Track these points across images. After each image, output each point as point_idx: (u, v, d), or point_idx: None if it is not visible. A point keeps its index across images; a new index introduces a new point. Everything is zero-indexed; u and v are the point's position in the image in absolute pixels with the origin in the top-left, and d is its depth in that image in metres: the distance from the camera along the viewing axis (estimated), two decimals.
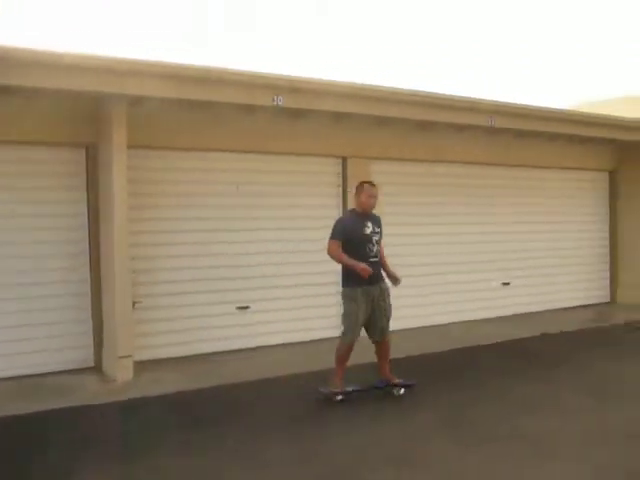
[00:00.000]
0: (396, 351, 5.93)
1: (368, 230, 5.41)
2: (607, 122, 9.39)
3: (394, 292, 5.71)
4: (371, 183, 5.62)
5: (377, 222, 5.54)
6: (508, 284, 9.76)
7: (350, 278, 5.32)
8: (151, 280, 6.85)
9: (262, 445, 4.42)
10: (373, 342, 5.60)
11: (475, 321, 9.11)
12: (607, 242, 11.23)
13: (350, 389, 5.45)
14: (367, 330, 5.52)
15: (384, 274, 5.58)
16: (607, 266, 11.22)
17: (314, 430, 4.78)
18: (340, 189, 8.12)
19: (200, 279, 7.14)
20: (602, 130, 9.42)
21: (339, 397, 5.38)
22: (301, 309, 7.78)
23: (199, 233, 7.16)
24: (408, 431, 4.79)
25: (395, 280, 5.61)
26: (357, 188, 5.62)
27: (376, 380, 5.66)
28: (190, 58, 9.03)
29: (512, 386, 5.96)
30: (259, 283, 7.51)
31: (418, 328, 8.51)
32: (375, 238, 5.43)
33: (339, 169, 8.15)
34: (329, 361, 5.58)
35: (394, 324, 5.73)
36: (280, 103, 6.47)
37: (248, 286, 7.42)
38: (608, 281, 11.22)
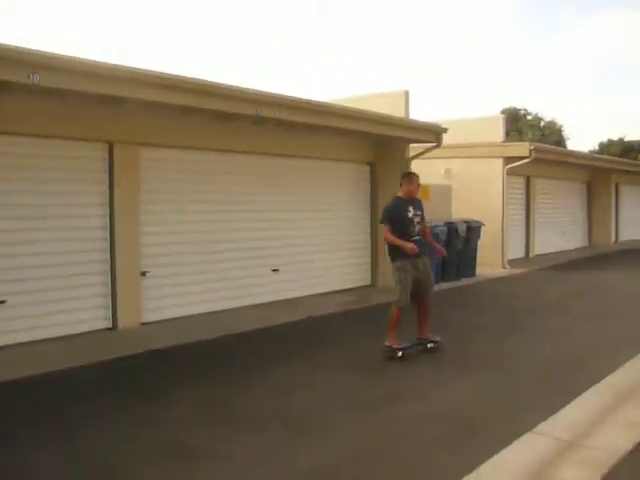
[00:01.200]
0: (156, 342, 5.88)
1: (410, 214, 6.60)
2: (364, 117, 10.09)
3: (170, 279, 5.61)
4: (413, 174, 6.92)
5: (419, 206, 6.71)
6: (277, 270, 10.16)
7: (400, 253, 6.48)
8: None
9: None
10: (416, 305, 6.76)
11: (245, 307, 9.40)
12: (369, 230, 12.20)
13: (405, 345, 6.68)
14: (412, 295, 6.60)
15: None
16: (369, 252, 12.20)
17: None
18: (106, 175, 7.83)
19: None
20: (360, 124, 10.12)
21: (399, 353, 6.54)
22: None
23: None
24: (166, 420, 4.80)
25: (440, 251, 7.05)
26: (402, 178, 6.84)
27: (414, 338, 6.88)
28: None
29: (278, 368, 6.26)
30: None
31: (187, 317, 8.57)
32: (417, 220, 6.60)
33: (105, 155, 7.85)
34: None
35: (157, 314, 5.69)
36: (36, 81, 6.00)
37: None
38: (370, 266, 12.21)
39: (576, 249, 20.19)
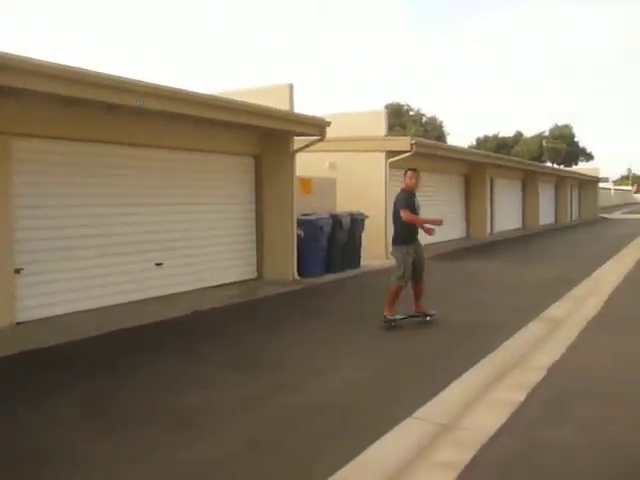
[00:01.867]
0: (31, 342, 5.67)
1: (417, 203, 7.97)
2: (249, 109, 10.12)
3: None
4: (415, 170, 8.05)
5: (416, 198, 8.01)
6: (161, 265, 10.02)
7: (405, 239, 7.83)
8: None
9: None
10: (413, 283, 8.00)
11: (131, 303, 9.20)
12: (254, 223, 12.25)
13: (398, 317, 7.91)
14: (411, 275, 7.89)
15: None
16: (254, 245, 12.26)
17: None
18: None
19: None
20: (245, 116, 10.13)
21: (393, 323, 7.78)
22: None
23: None
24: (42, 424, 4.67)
25: (428, 231, 8.05)
26: (405, 173, 8.07)
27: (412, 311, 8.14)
28: None
29: (164, 364, 6.21)
30: None
31: (69, 314, 8.28)
32: (418, 209, 7.95)
33: None
34: None
35: (34, 312, 5.50)
36: None
37: None
38: (255, 259, 12.28)
39: (455, 240, 21.22)
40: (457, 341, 7.14)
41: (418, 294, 8.14)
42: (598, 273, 12.89)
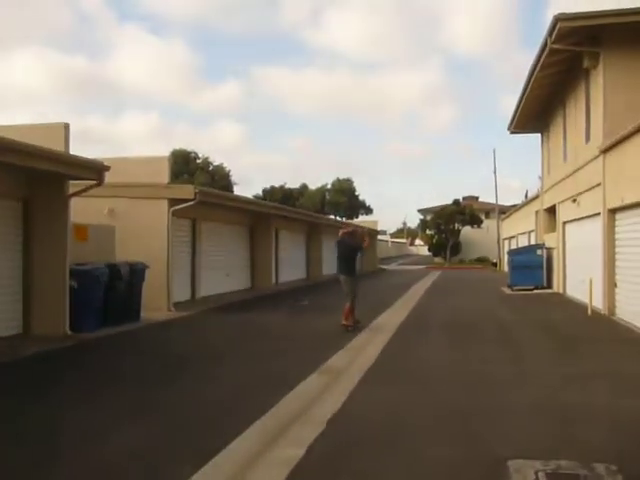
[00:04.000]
0: None
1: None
2: (12, 147, 9.29)
3: None
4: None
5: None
6: None
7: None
8: None
9: None
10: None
11: None
12: (21, 272, 11.25)
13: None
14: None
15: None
16: (21, 297, 11.23)
17: None
18: None
19: None
20: (8, 155, 9.32)
21: (350, 329, 11.85)
22: None
23: None
24: None
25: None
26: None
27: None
28: None
29: None
30: None
31: None
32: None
33: None
34: None
35: None
36: None
37: None
38: (21, 313, 11.23)
39: (240, 291, 21.37)
40: (239, 396, 7.07)
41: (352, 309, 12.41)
42: (377, 321, 13.70)
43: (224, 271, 20.44)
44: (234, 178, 68.92)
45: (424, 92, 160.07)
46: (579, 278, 17.05)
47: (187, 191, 15.76)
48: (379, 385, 7.68)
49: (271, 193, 75.85)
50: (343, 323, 12.18)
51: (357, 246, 12.94)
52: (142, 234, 14.89)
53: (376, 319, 14.06)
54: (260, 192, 77.76)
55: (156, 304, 14.66)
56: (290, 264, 27.48)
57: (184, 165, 63.11)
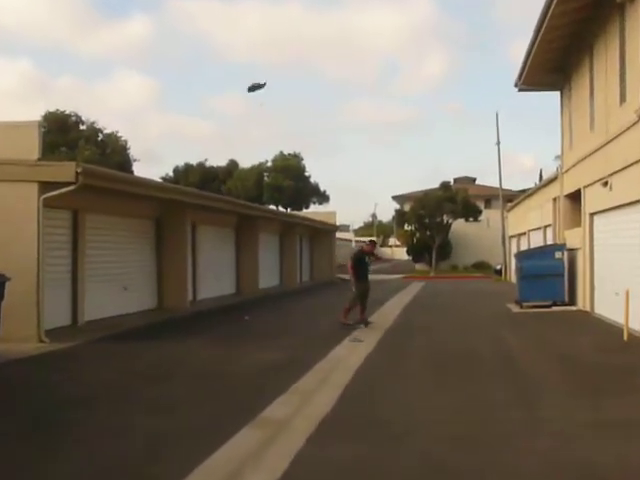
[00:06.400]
0: None
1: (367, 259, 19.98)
2: None
3: None
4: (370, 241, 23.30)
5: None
6: None
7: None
8: None
9: None
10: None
11: None
12: None
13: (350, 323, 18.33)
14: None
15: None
16: None
17: None
18: None
19: None
20: None
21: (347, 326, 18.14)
22: None
23: None
24: None
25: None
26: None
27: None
28: None
29: None
30: None
31: None
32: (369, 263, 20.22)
33: None
34: None
35: None
36: None
37: None
38: None
39: (142, 312, 21.14)
40: (147, 457, 7.00)
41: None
42: (335, 354, 13.72)
43: (120, 284, 20.23)
44: (134, 152, 68.08)
45: (404, 34, 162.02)
46: (612, 290, 17.38)
47: (65, 170, 15.47)
48: (336, 443, 7.67)
49: (186, 173, 75.47)
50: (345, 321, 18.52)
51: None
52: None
53: (331, 352, 14.07)
54: (171, 172, 77.35)
55: (21, 333, 14.38)
56: (214, 274, 27.36)
57: (61, 134, 61.96)
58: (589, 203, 20.51)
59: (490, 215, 59.51)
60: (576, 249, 22.09)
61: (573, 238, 22.70)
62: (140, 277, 21.93)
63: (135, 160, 67.37)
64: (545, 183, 30.71)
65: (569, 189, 23.58)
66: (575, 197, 22.59)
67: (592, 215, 20.22)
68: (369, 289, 19.39)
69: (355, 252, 20.93)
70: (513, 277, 32.36)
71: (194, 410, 9.27)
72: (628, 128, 15.89)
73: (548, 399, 9.79)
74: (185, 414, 9.03)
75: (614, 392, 10.15)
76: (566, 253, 22.85)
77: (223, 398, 10.02)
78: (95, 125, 66.59)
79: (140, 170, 62.58)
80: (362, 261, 19.42)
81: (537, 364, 12.64)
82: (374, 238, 29.50)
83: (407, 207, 62.25)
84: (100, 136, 66.32)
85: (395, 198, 75.12)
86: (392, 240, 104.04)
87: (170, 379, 11.48)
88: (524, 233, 36.96)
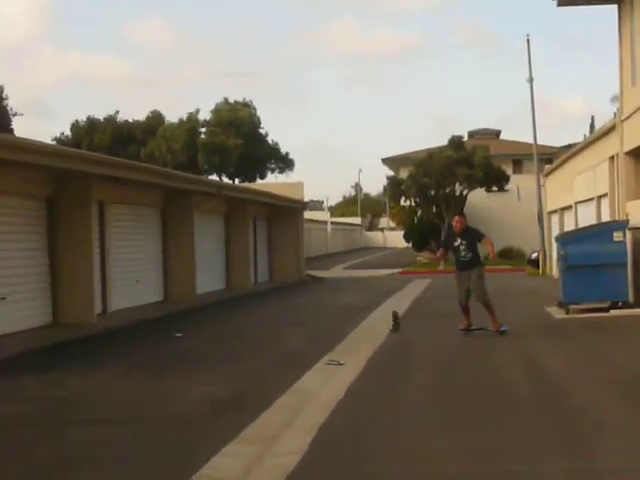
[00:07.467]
0: None
1: (456, 243, 21.20)
2: None
3: None
4: (459, 214, 25.54)
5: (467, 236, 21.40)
6: None
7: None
8: None
9: None
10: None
11: None
12: None
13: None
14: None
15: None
16: None
17: None
18: None
19: None
20: None
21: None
22: None
23: None
24: None
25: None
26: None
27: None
28: None
29: None
30: None
31: None
32: (462, 247, 20.95)
33: None
34: None
35: None
36: None
37: None
38: None
39: (27, 331, 20.96)
40: None
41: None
42: (301, 384, 13.64)
43: None
44: (14, 103, 67.79)
45: None
46: None
47: None
48: None
49: (91, 132, 75.14)
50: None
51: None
52: None
53: (297, 382, 13.94)
54: (68, 130, 77.02)
55: None
56: (129, 273, 27.18)
57: None
58: None
59: (521, 182, 59.77)
60: None
61: (639, 212, 22.66)
62: (25, 281, 21.61)
63: (15, 114, 67.13)
64: (598, 136, 30.79)
65: (633, 143, 23.57)
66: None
67: None
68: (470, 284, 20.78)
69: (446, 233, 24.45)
70: (555, 269, 32.34)
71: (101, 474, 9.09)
72: None
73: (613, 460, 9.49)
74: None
75: None
76: (629, 234, 22.62)
77: (140, 457, 9.82)
78: None
79: (23, 128, 62.19)
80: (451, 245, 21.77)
81: (595, 403, 12.23)
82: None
83: (404, 174, 62.13)
84: None
85: (386, 161, 75.45)
86: (384, 221, 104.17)
87: (64, 429, 11.29)
88: (569, 207, 37.05)
